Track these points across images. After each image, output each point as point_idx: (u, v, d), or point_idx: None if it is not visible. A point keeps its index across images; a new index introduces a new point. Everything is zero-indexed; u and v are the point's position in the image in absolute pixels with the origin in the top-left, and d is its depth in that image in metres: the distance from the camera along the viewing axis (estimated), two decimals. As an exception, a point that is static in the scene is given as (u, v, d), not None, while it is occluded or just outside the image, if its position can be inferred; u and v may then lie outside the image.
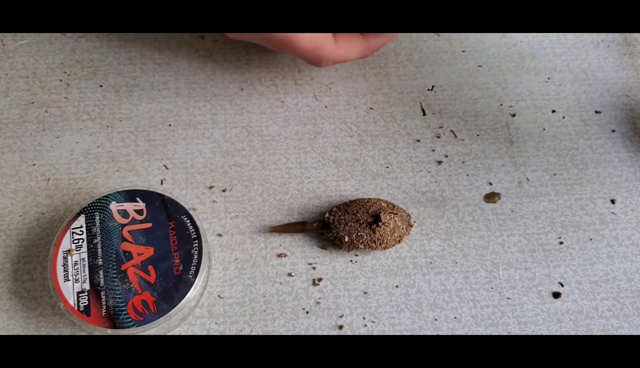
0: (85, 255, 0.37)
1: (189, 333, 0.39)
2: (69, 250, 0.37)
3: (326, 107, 0.48)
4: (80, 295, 0.36)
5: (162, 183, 0.44)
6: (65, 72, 0.48)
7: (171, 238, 0.38)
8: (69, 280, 0.37)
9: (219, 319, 0.39)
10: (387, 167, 0.45)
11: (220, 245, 0.42)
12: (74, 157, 0.45)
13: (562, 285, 0.41)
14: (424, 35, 0.52)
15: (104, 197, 0.40)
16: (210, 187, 0.44)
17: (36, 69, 0.49)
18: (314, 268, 0.41)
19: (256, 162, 0.45)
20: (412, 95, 0.49)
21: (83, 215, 0.39)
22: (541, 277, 0.41)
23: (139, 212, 0.39)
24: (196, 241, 0.38)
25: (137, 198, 0.40)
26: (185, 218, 0.39)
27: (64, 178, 0.44)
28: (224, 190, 0.44)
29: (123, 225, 0.39)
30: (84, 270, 0.37)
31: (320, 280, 0.41)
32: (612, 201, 0.44)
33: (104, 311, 0.36)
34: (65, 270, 0.37)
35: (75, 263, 0.37)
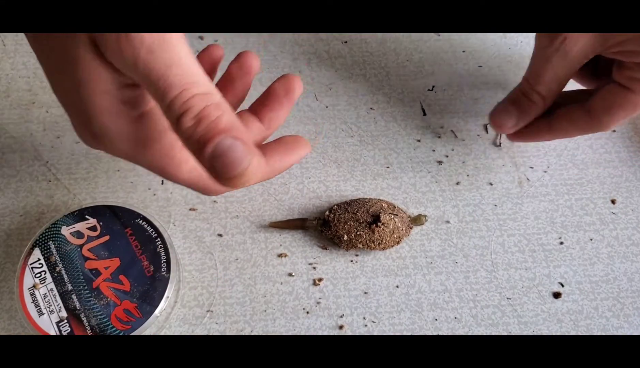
0: (52, 286, 0.37)
1: (190, 333, 0.39)
2: (33, 286, 0.37)
3: (327, 107, 0.48)
4: (60, 324, 0.36)
5: (162, 183, 0.44)
6: (66, 72, 0.48)
7: (132, 243, 0.39)
8: (43, 314, 0.36)
9: (220, 319, 0.39)
10: (388, 167, 0.45)
11: (220, 245, 0.42)
12: (74, 157, 0.45)
13: (563, 285, 0.41)
14: (424, 36, 0.52)
15: (52, 224, 0.39)
16: (211, 187, 0.44)
17: (37, 69, 0.49)
18: (314, 268, 0.41)
19: (257, 162, 0.45)
20: (413, 95, 0.49)
21: (37, 248, 0.38)
22: (541, 277, 0.41)
23: (92, 228, 0.39)
24: (158, 239, 0.39)
25: (87, 216, 0.39)
26: (140, 221, 0.39)
27: (64, 178, 0.44)
28: (224, 190, 0.44)
29: (81, 246, 0.38)
30: (55, 300, 0.37)
31: (320, 280, 0.41)
32: (613, 201, 0.44)
33: (90, 331, 0.36)
34: (37, 306, 0.37)
35: (45, 295, 0.37)
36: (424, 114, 0.48)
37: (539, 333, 0.39)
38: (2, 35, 0.50)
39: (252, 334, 0.39)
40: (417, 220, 0.42)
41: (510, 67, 0.50)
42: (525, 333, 0.39)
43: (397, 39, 0.52)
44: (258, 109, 0.35)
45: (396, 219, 0.41)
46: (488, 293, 0.41)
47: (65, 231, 0.39)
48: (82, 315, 0.36)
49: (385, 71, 0.50)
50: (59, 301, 0.37)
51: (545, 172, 0.46)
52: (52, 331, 0.36)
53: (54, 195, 0.43)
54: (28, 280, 0.37)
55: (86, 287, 0.37)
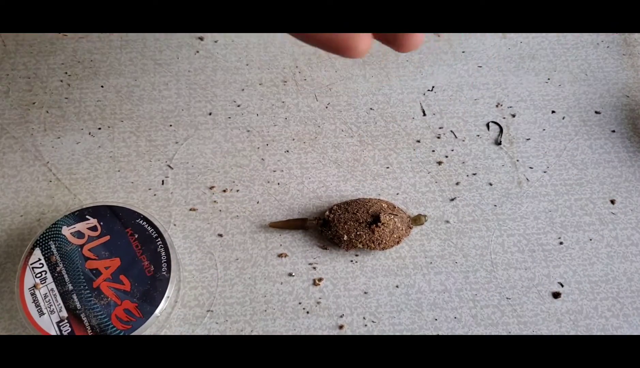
0: (52, 286, 0.37)
1: (190, 333, 0.39)
2: (34, 286, 0.37)
3: (326, 107, 0.48)
4: (60, 324, 0.36)
5: (163, 183, 0.44)
6: (66, 73, 0.49)
7: (133, 243, 0.39)
8: (44, 314, 0.36)
9: (220, 319, 0.39)
10: (388, 168, 0.45)
11: (221, 245, 0.42)
12: (75, 157, 0.45)
13: (562, 285, 0.41)
14: (424, 36, 0.52)
15: (53, 224, 0.39)
16: (211, 187, 0.44)
17: (37, 69, 0.49)
18: (314, 268, 0.41)
19: (257, 162, 0.45)
20: (413, 95, 0.49)
21: (38, 248, 0.38)
22: (541, 277, 0.41)
23: (93, 228, 0.39)
24: (159, 239, 0.39)
25: (87, 217, 0.39)
26: (141, 221, 0.39)
27: (65, 178, 0.44)
28: (224, 191, 0.44)
29: (81, 246, 0.38)
30: (56, 300, 0.37)
31: (320, 280, 0.41)
32: (612, 201, 0.44)
33: (90, 331, 0.36)
34: (38, 306, 0.37)
35: (45, 295, 0.37)
36: (424, 115, 0.48)
37: (539, 333, 0.39)
38: (3, 35, 0.50)
39: (252, 334, 0.39)
40: (417, 220, 0.43)
41: (509, 68, 0.50)
42: (524, 333, 0.39)
43: (397, 39, 0.52)
44: None
45: (396, 219, 0.41)
46: (487, 293, 0.41)
47: (66, 231, 0.39)
48: (82, 315, 0.36)
49: (385, 72, 0.50)
50: (60, 301, 0.37)
51: (544, 172, 0.46)
52: (53, 331, 0.36)
53: (55, 195, 0.43)
54: (29, 280, 0.37)
55: (87, 287, 0.37)
